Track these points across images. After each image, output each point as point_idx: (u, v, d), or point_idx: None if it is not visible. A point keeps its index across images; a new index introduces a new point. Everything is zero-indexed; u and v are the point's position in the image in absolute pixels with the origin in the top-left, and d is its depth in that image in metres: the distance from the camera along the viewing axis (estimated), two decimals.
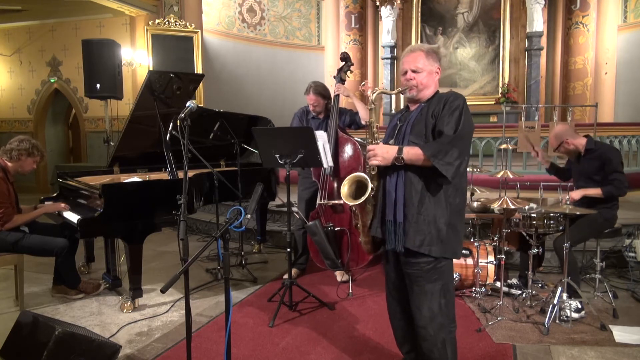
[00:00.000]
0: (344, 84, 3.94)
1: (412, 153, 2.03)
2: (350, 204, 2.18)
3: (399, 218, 2.08)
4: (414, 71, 2.15)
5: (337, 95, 3.81)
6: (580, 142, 3.53)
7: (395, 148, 2.05)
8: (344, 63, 3.86)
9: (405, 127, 2.17)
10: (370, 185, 2.13)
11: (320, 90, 3.85)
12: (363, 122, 3.83)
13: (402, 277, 2.23)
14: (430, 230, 2.05)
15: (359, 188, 2.19)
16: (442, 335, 2.11)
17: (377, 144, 2.14)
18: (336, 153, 3.61)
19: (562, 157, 7.07)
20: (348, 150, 3.63)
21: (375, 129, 2.22)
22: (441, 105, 2.08)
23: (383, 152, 2.06)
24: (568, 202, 3.16)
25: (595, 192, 3.39)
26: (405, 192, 2.07)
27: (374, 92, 2.22)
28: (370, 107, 2.23)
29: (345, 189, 2.22)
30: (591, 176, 3.46)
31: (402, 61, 2.25)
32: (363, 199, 2.11)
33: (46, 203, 3.89)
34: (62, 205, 3.68)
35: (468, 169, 3.65)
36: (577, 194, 3.40)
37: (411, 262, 2.11)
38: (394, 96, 9.74)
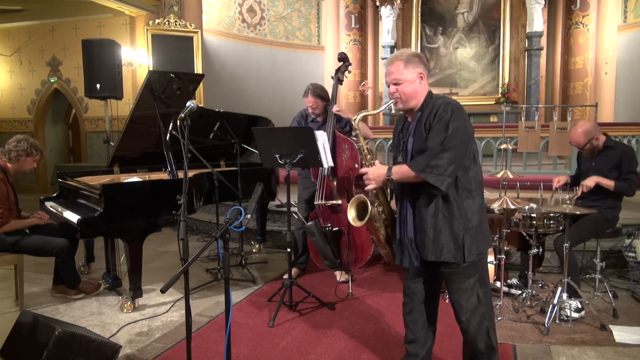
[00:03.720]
0: (342, 84, 3.93)
1: (401, 172, 2.08)
2: (357, 225, 2.31)
3: (418, 234, 2.13)
4: (395, 84, 2.12)
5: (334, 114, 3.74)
6: (602, 138, 3.55)
7: (385, 169, 2.13)
8: (341, 63, 3.85)
9: (407, 142, 2.17)
10: (369, 207, 2.20)
11: (319, 92, 3.83)
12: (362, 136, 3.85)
13: (425, 275, 2.26)
14: (448, 240, 2.07)
15: (363, 209, 2.28)
16: (486, 324, 2.15)
17: (373, 164, 2.21)
18: (333, 153, 3.61)
19: (562, 157, 7.04)
20: (345, 150, 3.62)
21: (366, 150, 2.27)
22: (432, 117, 2.06)
23: (375, 175, 2.16)
24: (584, 191, 3.33)
25: (608, 182, 3.39)
26: (418, 209, 2.12)
27: (356, 117, 2.28)
28: (356, 133, 2.29)
29: (352, 212, 2.33)
30: (605, 173, 3.46)
31: (384, 73, 2.24)
32: (365, 220, 2.22)
33: (40, 211, 3.85)
34: (43, 218, 3.70)
35: None
36: (590, 182, 3.40)
37: (445, 266, 2.14)
38: None
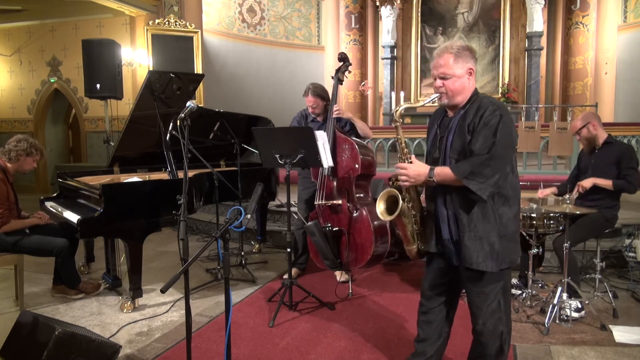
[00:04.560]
0: (342, 84, 3.93)
1: (443, 175, 2.00)
2: (385, 219, 2.19)
3: (455, 236, 2.08)
4: (442, 78, 2.03)
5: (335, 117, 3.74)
6: (602, 134, 3.55)
7: (427, 169, 2.03)
8: (342, 63, 3.85)
9: (446, 139, 2.10)
10: (400, 202, 2.09)
11: (319, 91, 3.84)
12: (362, 135, 3.86)
13: (445, 279, 2.24)
14: (483, 247, 2.01)
15: (393, 203, 2.17)
16: (500, 329, 2.11)
17: (410, 162, 2.08)
18: (334, 153, 3.61)
19: (562, 157, 7.03)
20: (346, 150, 3.63)
21: (403, 144, 2.15)
22: (477, 119, 1.97)
23: (415, 174, 2.03)
24: (579, 192, 3.29)
25: (605, 182, 3.39)
26: (455, 210, 2.06)
27: (397, 109, 2.14)
28: (395, 125, 2.16)
29: (381, 206, 2.21)
30: (604, 169, 3.47)
31: (431, 65, 2.14)
32: (395, 215, 2.10)
33: (40, 211, 3.85)
34: (44, 218, 3.70)
35: None
36: (587, 182, 3.40)
37: (473, 273, 2.09)
38: (394, 95, 9.73)
